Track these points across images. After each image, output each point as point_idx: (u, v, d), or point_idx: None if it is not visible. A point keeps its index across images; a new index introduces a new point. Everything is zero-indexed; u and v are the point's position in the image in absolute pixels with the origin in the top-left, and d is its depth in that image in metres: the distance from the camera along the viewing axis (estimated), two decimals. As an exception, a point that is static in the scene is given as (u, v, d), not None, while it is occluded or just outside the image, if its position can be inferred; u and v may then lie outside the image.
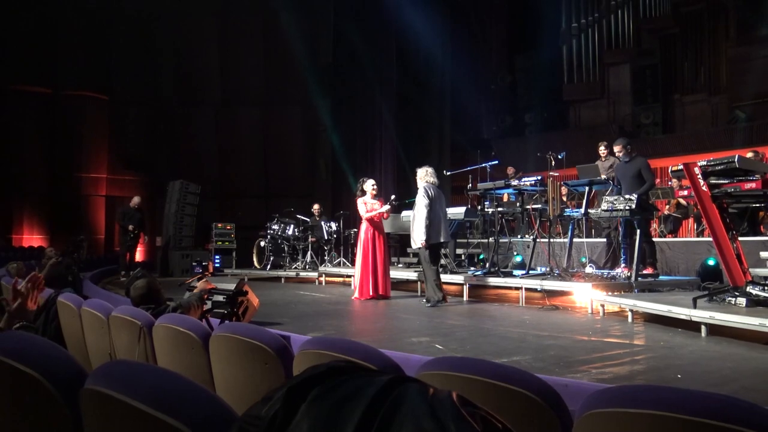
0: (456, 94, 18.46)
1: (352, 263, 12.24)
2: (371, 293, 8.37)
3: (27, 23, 14.60)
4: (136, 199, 12.86)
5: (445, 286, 8.56)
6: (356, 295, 8.50)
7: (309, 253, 12.44)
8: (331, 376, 0.66)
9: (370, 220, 8.51)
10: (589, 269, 8.13)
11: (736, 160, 5.68)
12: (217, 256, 13.88)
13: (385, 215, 8.77)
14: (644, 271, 7.30)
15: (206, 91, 16.92)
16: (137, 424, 0.98)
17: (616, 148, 7.90)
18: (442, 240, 7.67)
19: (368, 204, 8.57)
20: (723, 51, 15.65)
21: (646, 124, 16.43)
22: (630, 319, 6.15)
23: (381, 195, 8.84)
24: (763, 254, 6.54)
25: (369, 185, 8.63)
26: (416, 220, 7.64)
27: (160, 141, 16.49)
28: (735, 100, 15.14)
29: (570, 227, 8.35)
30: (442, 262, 8.94)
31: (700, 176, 5.86)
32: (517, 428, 0.62)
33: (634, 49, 17.01)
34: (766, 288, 5.51)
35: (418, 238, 7.57)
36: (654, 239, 8.80)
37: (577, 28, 17.95)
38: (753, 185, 5.65)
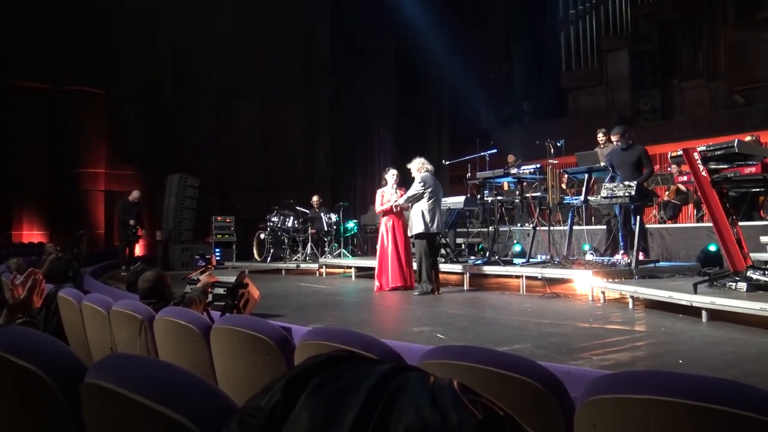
0: (454, 83, 18.41)
1: (352, 254, 12.33)
2: (391, 285, 8.18)
3: (24, 18, 14.53)
4: (135, 193, 12.84)
5: (445, 276, 8.65)
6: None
7: (309, 244, 12.45)
8: (331, 366, 0.65)
9: (388, 212, 8.34)
10: (589, 256, 8.14)
11: (735, 144, 5.66)
12: (217, 249, 13.90)
13: (397, 207, 8.34)
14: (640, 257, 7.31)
15: (204, 85, 16.88)
16: (137, 417, 0.98)
17: (614, 137, 7.86)
18: (434, 230, 7.65)
19: (386, 195, 8.39)
20: (721, 36, 15.58)
21: (645, 110, 16.39)
22: (631, 306, 6.15)
23: (402, 185, 8.47)
24: (764, 239, 6.54)
25: (389, 175, 8.44)
26: (413, 210, 7.72)
27: (159, 135, 16.43)
28: (733, 84, 15.10)
29: (570, 215, 8.36)
30: (442, 251, 8.94)
31: (699, 162, 5.85)
32: (519, 416, 0.62)
33: (632, 35, 16.97)
34: (766, 272, 5.52)
35: (414, 227, 7.63)
36: (654, 226, 8.79)
37: (575, 15, 17.92)
38: (752, 170, 5.65)
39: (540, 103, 19.11)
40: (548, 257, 8.14)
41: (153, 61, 16.58)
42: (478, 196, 10.15)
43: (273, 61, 16.87)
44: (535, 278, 7.59)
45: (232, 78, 16.90)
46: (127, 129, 16.42)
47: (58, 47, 15.20)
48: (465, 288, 8.28)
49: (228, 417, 0.70)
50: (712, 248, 7.35)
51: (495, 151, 11.14)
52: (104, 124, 16.04)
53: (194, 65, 16.81)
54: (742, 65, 14.97)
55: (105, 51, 15.71)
